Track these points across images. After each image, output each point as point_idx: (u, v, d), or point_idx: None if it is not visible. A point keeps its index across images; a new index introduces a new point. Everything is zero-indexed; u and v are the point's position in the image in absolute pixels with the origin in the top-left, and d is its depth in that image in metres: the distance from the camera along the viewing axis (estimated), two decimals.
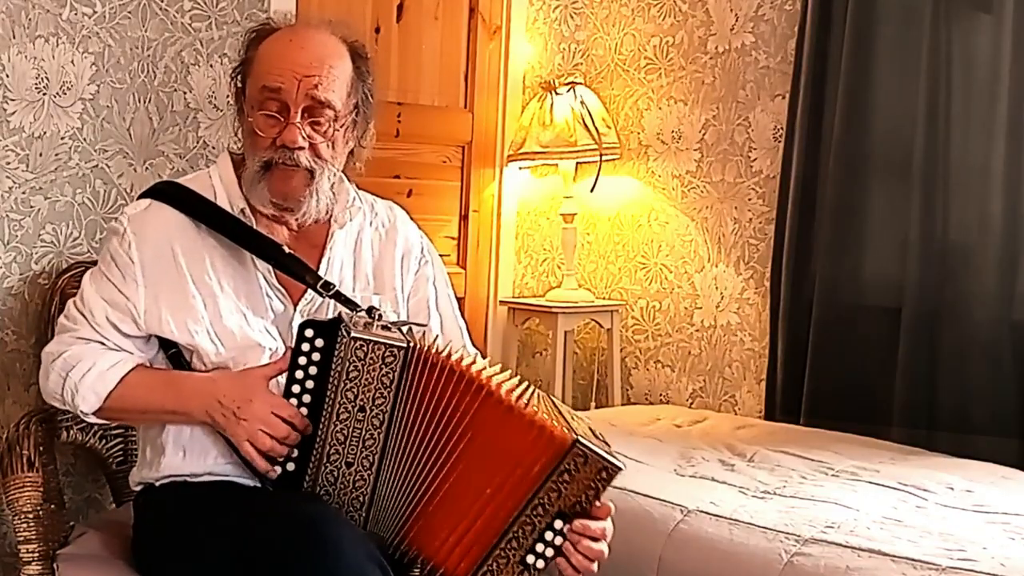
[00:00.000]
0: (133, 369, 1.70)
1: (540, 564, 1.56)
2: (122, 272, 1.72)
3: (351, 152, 1.81)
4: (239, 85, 1.79)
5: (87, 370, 1.68)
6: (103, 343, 1.71)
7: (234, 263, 1.75)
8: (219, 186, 1.78)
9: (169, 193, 1.78)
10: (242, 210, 1.75)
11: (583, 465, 1.51)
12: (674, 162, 3.34)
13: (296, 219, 1.75)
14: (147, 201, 1.78)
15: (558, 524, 1.54)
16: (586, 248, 3.54)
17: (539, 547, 1.54)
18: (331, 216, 1.79)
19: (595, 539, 1.55)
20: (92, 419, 1.72)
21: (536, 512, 1.53)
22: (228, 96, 2.54)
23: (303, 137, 1.69)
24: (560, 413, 1.60)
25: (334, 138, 1.73)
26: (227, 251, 1.75)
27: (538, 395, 1.63)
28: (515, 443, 1.54)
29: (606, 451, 1.53)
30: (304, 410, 1.59)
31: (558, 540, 1.55)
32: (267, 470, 1.60)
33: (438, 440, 1.58)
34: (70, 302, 1.78)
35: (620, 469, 1.52)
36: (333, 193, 1.76)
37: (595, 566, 1.57)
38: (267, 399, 1.60)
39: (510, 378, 1.63)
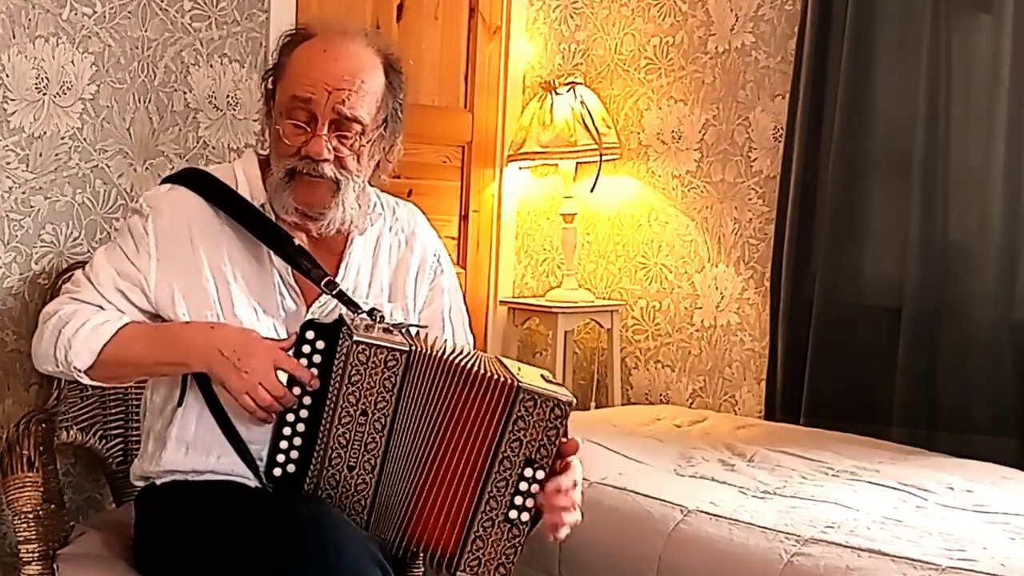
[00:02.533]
0: (128, 324, 1.67)
1: (524, 517, 1.58)
2: (136, 244, 1.72)
3: (377, 164, 1.79)
4: (269, 87, 1.78)
5: (80, 325, 1.65)
6: (101, 308, 1.69)
7: (250, 257, 1.74)
8: (242, 179, 1.78)
9: (191, 178, 1.78)
10: (262, 204, 1.75)
11: (534, 408, 1.54)
12: (674, 162, 3.34)
13: (319, 228, 1.74)
14: (168, 185, 1.79)
15: (528, 472, 1.56)
16: (586, 248, 3.54)
17: (517, 500, 1.57)
18: (351, 222, 1.77)
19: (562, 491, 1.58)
20: (85, 379, 1.69)
21: (504, 466, 1.56)
22: (230, 96, 2.56)
23: (328, 149, 1.68)
24: (506, 368, 1.62)
25: (360, 151, 1.72)
26: (244, 244, 1.74)
27: (486, 359, 1.63)
28: (472, 407, 1.57)
29: (552, 390, 1.55)
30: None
31: (534, 488, 1.57)
32: (264, 419, 1.59)
33: (440, 440, 1.59)
34: (77, 271, 1.77)
35: (571, 403, 1.56)
36: (359, 204, 1.75)
37: (569, 518, 1.60)
38: (270, 353, 1.58)
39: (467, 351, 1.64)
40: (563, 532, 1.61)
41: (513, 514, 1.57)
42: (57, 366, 1.69)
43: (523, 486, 1.57)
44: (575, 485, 1.61)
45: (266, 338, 1.65)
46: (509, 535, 1.58)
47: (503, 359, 1.68)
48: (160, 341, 1.66)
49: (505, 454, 1.56)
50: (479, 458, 1.57)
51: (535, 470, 1.56)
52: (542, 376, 1.63)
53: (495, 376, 1.57)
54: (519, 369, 1.63)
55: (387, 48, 1.77)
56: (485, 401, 1.57)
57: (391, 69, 1.75)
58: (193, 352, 1.63)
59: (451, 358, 1.59)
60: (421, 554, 1.66)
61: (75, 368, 1.66)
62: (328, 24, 1.79)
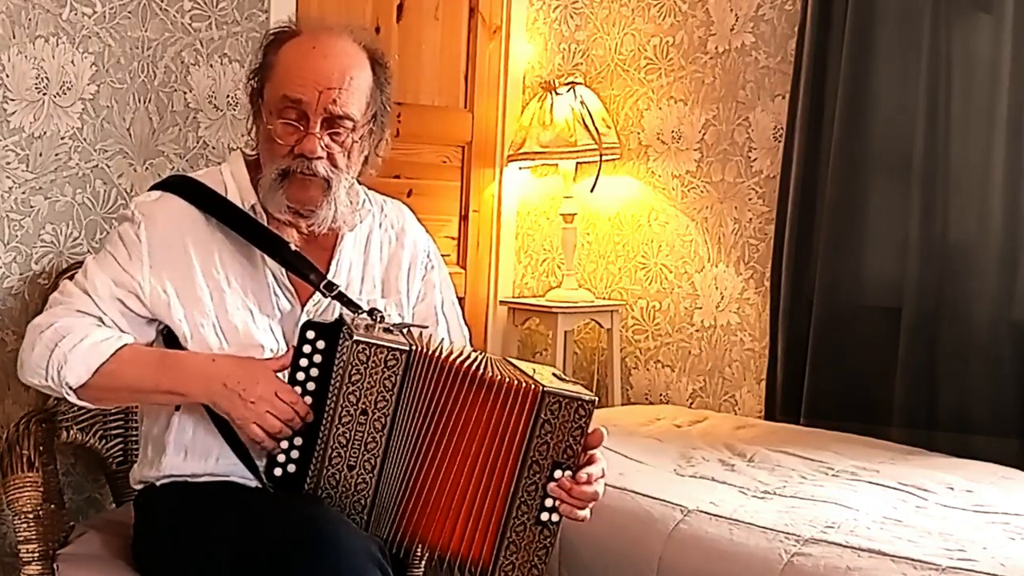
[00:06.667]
0: (128, 344, 1.65)
1: (555, 517, 1.59)
2: (128, 251, 1.71)
3: (365, 159, 1.80)
4: (255, 86, 1.77)
5: (79, 340, 1.62)
6: (100, 320, 1.67)
7: (243, 260, 1.74)
8: (231, 182, 1.78)
9: (180, 186, 1.78)
10: (252, 206, 1.75)
11: (559, 410, 1.55)
12: (674, 162, 3.33)
13: (309, 225, 1.74)
14: (158, 192, 1.78)
15: (557, 474, 1.57)
16: (586, 248, 3.54)
17: (548, 502, 1.58)
18: (342, 219, 1.77)
19: (587, 483, 1.58)
20: (73, 398, 1.64)
21: (533, 471, 1.57)
22: (230, 96, 2.56)
23: (322, 147, 1.68)
24: (520, 371, 1.62)
25: (351, 148, 1.72)
26: (236, 247, 1.74)
27: (494, 361, 1.63)
28: (491, 413, 1.57)
29: (575, 390, 1.56)
30: None
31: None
32: (274, 448, 1.59)
33: (441, 442, 1.59)
34: (65, 280, 1.74)
35: (594, 401, 1.56)
36: (349, 201, 1.75)
37: (589, 508, 1.60)
38: (271, 382, 1.59)
39: (467, 351, 1.64)
40: (582, 514, 1.60)
41: (544, 516, 1.58)
42: (46, 380, 1.64)
43: (552, 487, 1.57)
44: (602, 475, 1.61)
45: (266, 359, 1.65)
46: (541, 536, 1.59)
47: (510, 360, 1.67)
48: (160, 367, 1.64)
49: (533, 459, 1.56)
50: (505, 465, 1.56)
51: (563, 470, 1.57)
52: (554, 374, 1.63)
53: (516, 382, 1.56)
54: (534, 370, 1.63)
55: (372, 43, 1.77)
56: (507, 407, 1.56)
57: (377, 64, 1.76)
58: (193, 383, 1.62)
59: (456, 360, 1.59)
60: (453, 569, 1.64)
61: (66, 384, 1.62)
62: (312, 22, 1.79)
